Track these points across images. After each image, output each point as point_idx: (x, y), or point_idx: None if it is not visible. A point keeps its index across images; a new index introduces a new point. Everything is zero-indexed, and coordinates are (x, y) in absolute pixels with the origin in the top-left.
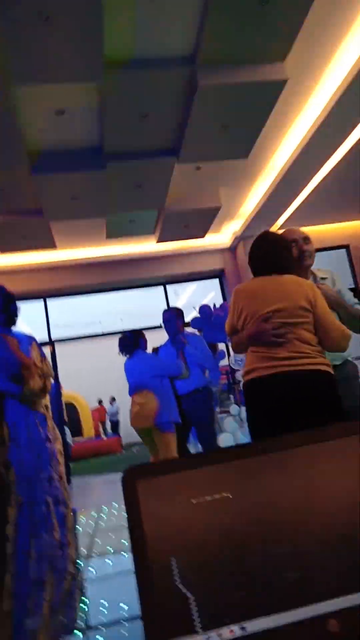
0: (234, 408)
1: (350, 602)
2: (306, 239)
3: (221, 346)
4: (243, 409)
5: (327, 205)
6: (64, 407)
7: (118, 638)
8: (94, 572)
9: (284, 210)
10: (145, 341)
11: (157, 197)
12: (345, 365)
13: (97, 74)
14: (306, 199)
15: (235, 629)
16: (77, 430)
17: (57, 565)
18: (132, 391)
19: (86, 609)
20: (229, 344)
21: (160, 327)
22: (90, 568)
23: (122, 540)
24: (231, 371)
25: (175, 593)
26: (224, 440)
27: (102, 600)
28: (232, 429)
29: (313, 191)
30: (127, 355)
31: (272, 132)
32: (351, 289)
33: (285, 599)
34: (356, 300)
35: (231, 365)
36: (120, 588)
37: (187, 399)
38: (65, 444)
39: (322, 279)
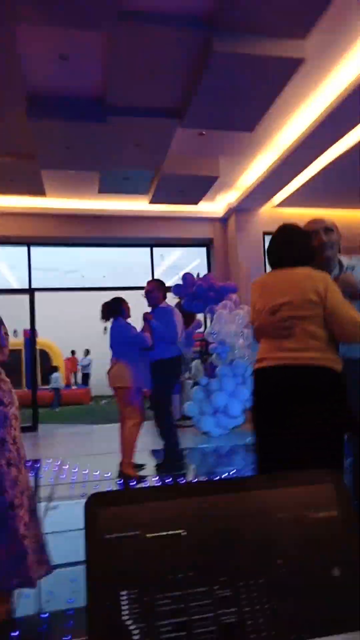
0: (202, 379)
1: None
2: (327, 229)
3: (199, 316)
4: (212, 380)
5: (324, 191)
6: (37, 356)
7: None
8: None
9: (281, 189)
10: (127, 309)
11: (155, 158)
12: None
13: (109, 22)
14: (305, 182)
15: None
16: (47, 379)
17: (8, 526)
18: (113, 355)
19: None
20: (207, 315)
21: (141, 288)
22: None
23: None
24: (205, 342)
25: (120, 624)
26: (189, 408)
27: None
28: (198, 399)
29: (312, 176)
30: (107, 322)
31: (281, 109)
32: None
33: (218, 639)
34: None
35: (206, 337)
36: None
37: (152, 369)
38: (56, 389)
39: (349, 267)
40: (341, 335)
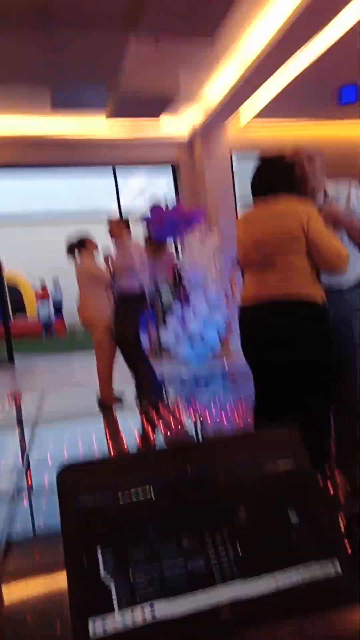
0: (176, 307)
1: (240, 592)
2: (310, 158)
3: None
4: (186, 307)
5: (294, 104)
6: (5, 287)
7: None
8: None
9: (247, 97)
10: (93, 246)
11: (109, 70)
12: (350, 290)
13: None
14: (278, 94)
15: (147, 611)
16: (21, 310)
17: None
18: (79, 290)
19: None
20: (177, 241)
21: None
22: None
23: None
24: (177, 271)
25: (98, 578)
26: (166, 336)
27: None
28: (173, 327)
29: (281, 90)
30: (72, 259)
31: (244, 11)
32: None
33: (189, 584)
34: None
35: (177, 265)
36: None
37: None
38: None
39: (333, 197)
40: (324, 266)
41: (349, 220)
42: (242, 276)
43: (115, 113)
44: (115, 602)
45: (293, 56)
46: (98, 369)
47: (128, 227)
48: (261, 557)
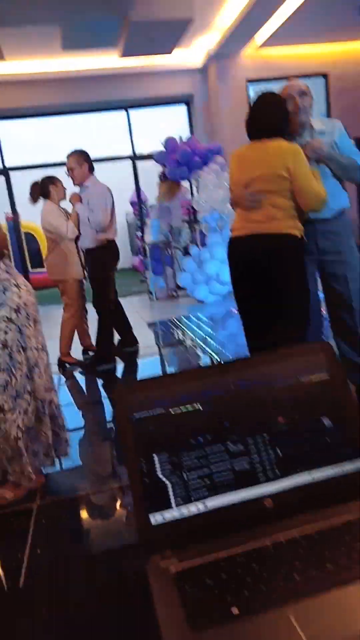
0: (193, 248)
1: (281, 486)
2: (303, 93)
3: (185, 184)
4: (203, 249)
5: (312, 24)
6: (23, 237)
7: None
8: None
9: (264, 23)
10: (59, 190)
11: (121, 3)
12: (336, 219)
13: None
14: (291, 15)
15: (200, 505)
16: (38, 262)
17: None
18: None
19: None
20: (193, 182)
21: (122, 157)
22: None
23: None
24: (193, 211)
25: (156, 480)
26: (183, 279)
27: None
28: (191, 269)
29: (299, 7)
30: (34, 203)
31: None
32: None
33: (236, 482)
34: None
35: (194, 205)
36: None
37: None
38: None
39: (320, 133)
40: (305, 206)
41: (332, 155)
42: (231, 206)
43: (129, 51)
44: (172, 500)
45: None
46: (61, 326)
47: (89, 161)
48: (298, 457)
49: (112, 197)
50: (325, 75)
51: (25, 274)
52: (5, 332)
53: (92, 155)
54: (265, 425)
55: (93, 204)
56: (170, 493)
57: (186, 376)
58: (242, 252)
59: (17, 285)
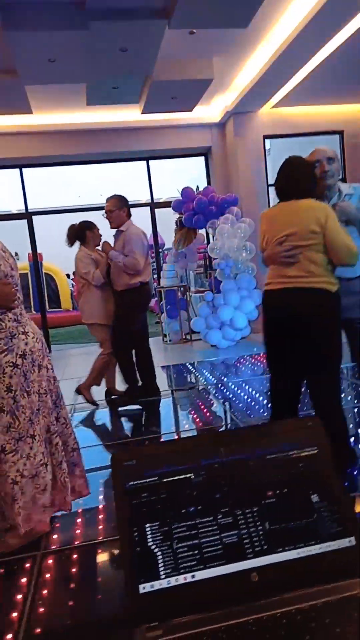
0: (208, 294)
1: (267, 561)
2: (330, 159)
3: (200, 231)
4: (217, 295)
5: (327, 85)
6: (43, 278)
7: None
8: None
9: (280, 87)
10: (94, 236)
11: (144, 63)
12: (357, 279)
13: None
14: (306, 77)
15: (188, 576)
16: (55, 302)
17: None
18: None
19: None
20: (209, 230)
21: (141, 204)
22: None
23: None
24: (209, 257)
25: (147, 549)
26: (196, 324)
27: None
28: (205, 314)
29: (314, 69)
30: (70, 246)
31: (276, 1)
32: None
33: (224, 555)
34: None
35: (209, 252)
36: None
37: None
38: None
39: (348, 195)
40: (338, 260)
41: None
42: (265, 265)
43: (150, 108)
44: (162, 570)
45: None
46: (94, 363)
47: (127, 206)
48: (285, 532)
49: (148, 240)
50: (340, 133)
51: (43, 313)
52: (10, 377)
53: None
54: (255, 498)
55: (129, 248)
56: (160, 563)
57: (180, 444)
58: (278, 305)
59: (24, 333)
